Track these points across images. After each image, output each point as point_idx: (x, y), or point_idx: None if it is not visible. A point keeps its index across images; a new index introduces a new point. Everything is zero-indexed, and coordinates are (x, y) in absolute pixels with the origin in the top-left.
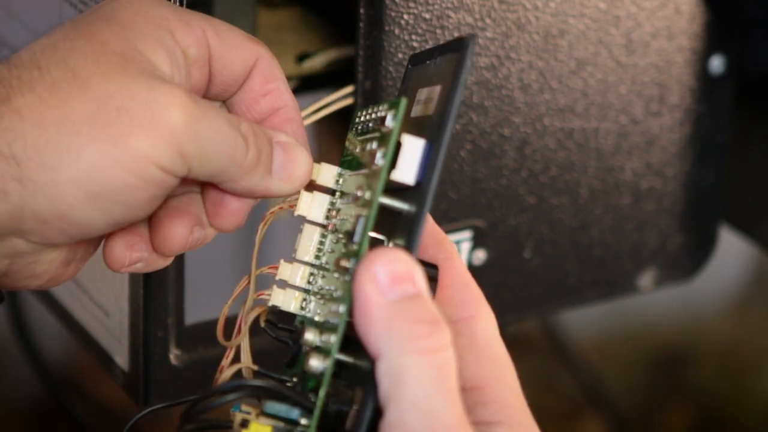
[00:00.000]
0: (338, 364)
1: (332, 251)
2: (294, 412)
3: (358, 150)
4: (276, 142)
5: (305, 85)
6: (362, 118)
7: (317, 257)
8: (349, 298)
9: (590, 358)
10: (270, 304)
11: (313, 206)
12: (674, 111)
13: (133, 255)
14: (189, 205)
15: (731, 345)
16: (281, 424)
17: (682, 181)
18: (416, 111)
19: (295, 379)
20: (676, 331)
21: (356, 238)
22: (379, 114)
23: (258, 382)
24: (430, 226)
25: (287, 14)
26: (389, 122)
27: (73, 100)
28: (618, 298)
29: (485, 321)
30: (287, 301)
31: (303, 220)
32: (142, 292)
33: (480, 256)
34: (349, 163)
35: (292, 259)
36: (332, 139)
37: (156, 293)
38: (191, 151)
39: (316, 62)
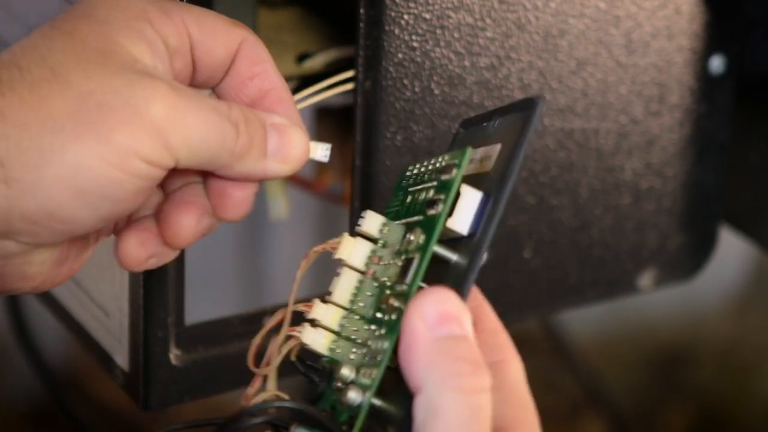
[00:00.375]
0: (373, 404)
1: (371, 295)
2: None
3: (409, 199)
4: (270, 124)
5: (305, 85)
6: (414, 171)
7: (351, 302)
8: (395, 335)
9: (590, 358)
10: (301, 341)
11: (354, 252)
12: (674, 111)
13: (148, 251)
14: (193, 196)
15: (731, 345)
16: None
17: (682, 181)
18: (470, 169)
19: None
20: (676, 331)
21: (408, 279)
22: (436, 165)
23: (295, 405)
24: None
25: (287, 14)
26: (450, 171)
27: (54, 99)
28: (618, 298)
29: (514, 366)
30: (317, 340)
31: (340, 263)
32: (142, 292)
33: None
34: (396, 213)
35: (326, 300)
36: (332, 138)
37: (156, 293)
38: (176, 143)
39: (316, 62)
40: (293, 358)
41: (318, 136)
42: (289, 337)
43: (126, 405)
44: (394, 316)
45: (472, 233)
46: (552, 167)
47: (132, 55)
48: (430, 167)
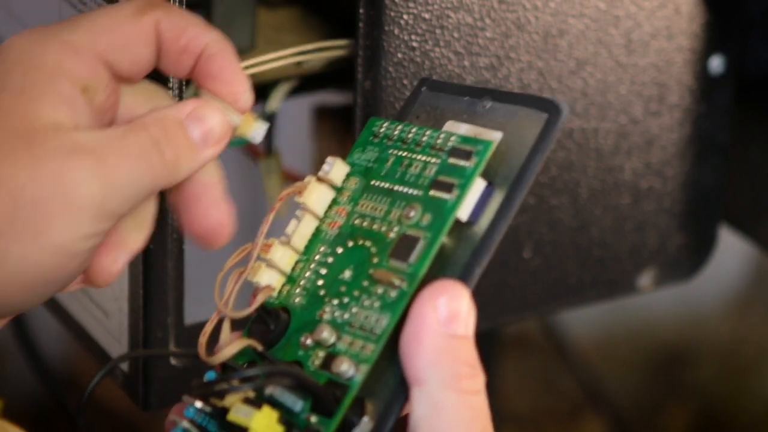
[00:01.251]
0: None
1: (337, 250)
2: (298, 404)
3: (392, 163)
4: (186, 117)
5: (305, 85)
6: (393, 131)
7: (308, 248)
8: (396, 315)
9: (590, 358)
10: (253, 280)
11: (318, 198)
12: (674, 111)
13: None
14: (107, 236)
15: (731, 345)
16: (280, 413)
17: (682, 181)
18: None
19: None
20: (676, 331)
21: (412, 259)
22: (429, 136)
23: (291, 371)
24: None
25: (287, 14)
26: (468, 158)
27: None
28: (618, 298)
29: None
30: (271, 281)
31: (301, 206)
32: (141, 292)
33: None
34: (368, 170)
35: (284, 242)
36: (332, 139)
37: (156, 293)
38: (114, 206)
39: (316, 62)
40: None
41: (318, 135)
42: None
43: (126, 405)
44: (393, 294)
45: (470, 221)
46: (552, 167)
47: (54, 123)
48: (417, 136)
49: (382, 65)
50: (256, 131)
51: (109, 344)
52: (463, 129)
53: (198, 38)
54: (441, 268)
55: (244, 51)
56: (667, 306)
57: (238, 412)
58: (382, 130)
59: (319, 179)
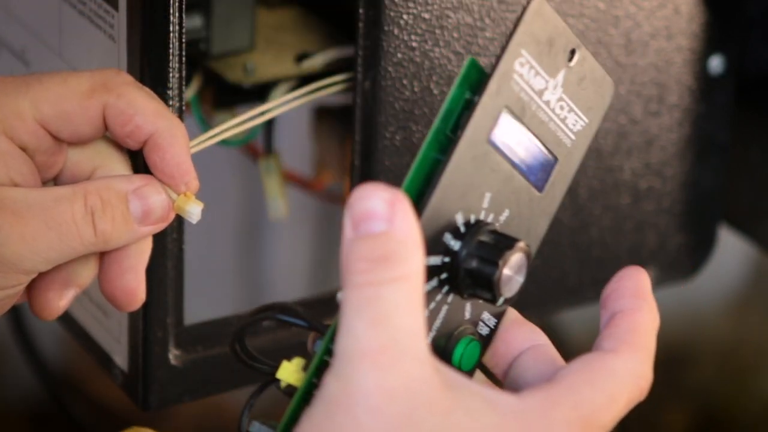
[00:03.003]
0: None
1: None
2: (317, 345)
3: None
4: (131, 192)
5: (304, 85)
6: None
7: None
8: None
9: None
10: None
11: None
12: (673, 111)
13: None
14: (55, 271)
15: (731, 345)
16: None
17: (682, 181)
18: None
19: None
20: (675, 331)
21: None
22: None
23: (281, 305)
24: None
25: (287, 14)
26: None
27: None
28: None
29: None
30: None
31: None
32: None
33: None
34: None
35: None
36: (332, 139)
37: (155, 293)
38: (30, 266)
39: (316, 62)
40: None
41: (317, 135)
42: None
43: (125, 405)
44: None
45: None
46: None
47: None
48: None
49: (382, 65)
50: (191, 212)
51: (109, 344)
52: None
53: (143, 128)
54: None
55: (244, 51)
56: (667, 306)
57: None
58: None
59: None
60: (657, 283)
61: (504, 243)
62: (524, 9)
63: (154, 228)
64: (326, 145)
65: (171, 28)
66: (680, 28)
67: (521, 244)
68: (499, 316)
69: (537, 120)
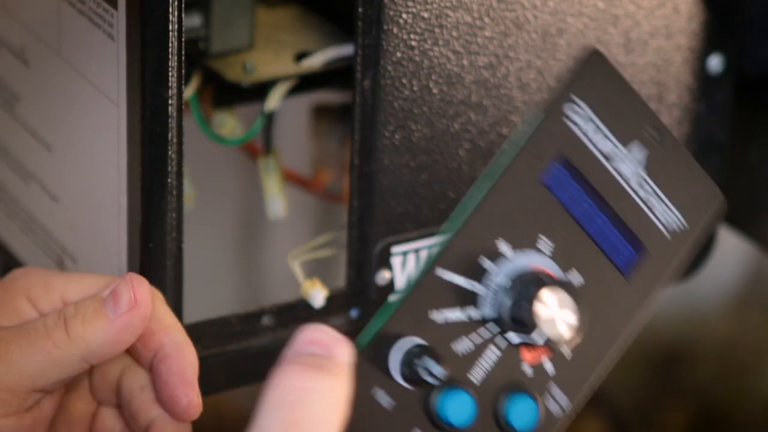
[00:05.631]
0: None
1: None
2: None
3: None
4: (105, 297)
5: (304, 85)
6: None
7: None
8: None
9: None
10: None
11: None
12: (673, 110)
13: None
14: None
15: (730, 344)
16: None
17: None
18: None
19: None
20: (674, 330)
21: None
22: None
23: None
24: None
25: (286, 13)
26: None
27: None
28: None
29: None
30: None
31: None
32: None
33: None
34: None
35: None
36: (331, 138)
37: None
38: (13, 383)
39: (315, 61)
40: None
41: (316, 134)
42: None
43: None
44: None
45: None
46: None
47: None
48: None
49: (381, 64)
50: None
51: None
52: None
53: (159, 339)
54: None
55: (243, 50)
56: (666, 305)
57: None
58: None
59: None
60: None
61: (548, 279)
62: (581, 58)
63: (129, 318)
64: (325, 143)
65: (170, 27)
66: (679, 27)
67: (569, 284)
68: (575, 397)
69: (611, 188)
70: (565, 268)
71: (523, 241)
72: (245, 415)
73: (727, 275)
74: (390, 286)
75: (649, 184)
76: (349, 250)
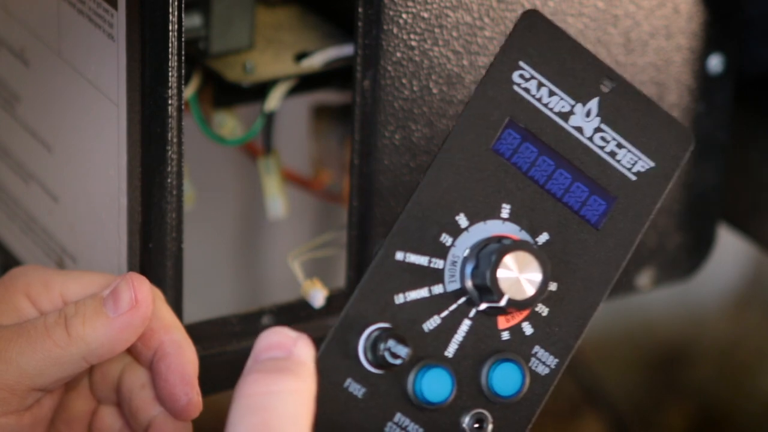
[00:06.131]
0: None
1: None
2: None
3: None
4: (105, 297)
5: (304, 85)
6: None
7: None
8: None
9: (588, 357)
10: None
11: None
12: (673, 110)
13: None
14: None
15: (730, 344)
16: None
17: (681, 180)
18: None
19: None
20: (674, 330)
21: None
22: None
23: None
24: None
25: (286, 13)
26: None
27: None
28: (616, 297)
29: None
30: None
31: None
32: None
33: None
34: None
35: None
36: (331, 138)
37: None
38: (12, 381)
39: (315, 61)
40: None
41: (316, 134)
42: None
43: None
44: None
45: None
46: None
47: None
48: None
49: (381, 64)
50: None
51: None
52: None
53: (159, 337)
54: None
55: (243, 50)
56: (666, 305)
57: None
58: None
59: None
60: (656, 283)
61: (506, 242)
62: (517, 21)
63: (129, 317)
64: (325, 144)
65: (170, 27)
66: (679, 27)
67: (527, 244)
68: (563, 354)
69: (568, 145)
70: (530, 230)
71: (483, 212)
72: None
73: (727, 275)
74: None
75: (609, 133)
76: (349, 250)
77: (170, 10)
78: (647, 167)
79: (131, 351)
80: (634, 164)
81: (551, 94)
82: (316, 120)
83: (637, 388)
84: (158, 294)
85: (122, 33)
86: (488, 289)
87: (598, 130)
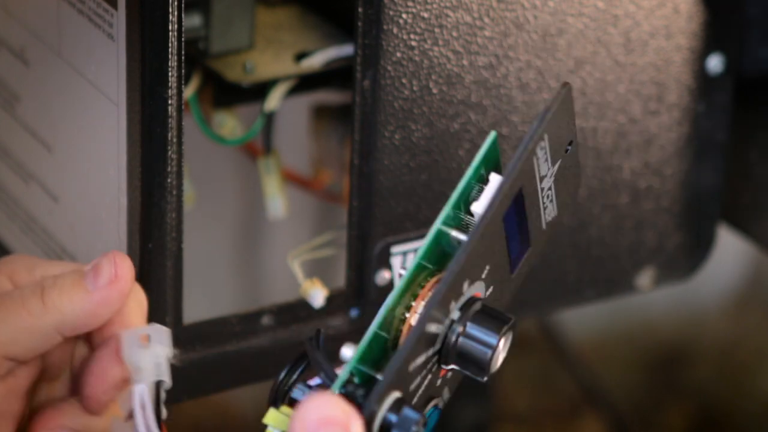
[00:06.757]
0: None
1: None
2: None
3: None
4: (86, 270)
5: (304, 85)
6: None
7: None
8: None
9: (589, 357)
10: None
11: None
12: (672, 110)
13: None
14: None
15: (730, 344)
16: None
17: (681, 180)
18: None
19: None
20: (674, 330)
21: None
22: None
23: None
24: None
25: (286, 13)
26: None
27: None
28: (616, 297)
29: None
30: None
31: None
32: None
33: None
34: None
35: None
36: (331, 138)
37: (154, 292)
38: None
39: (315, 61)
40: None
41: (316, 134)
42: None
43: None
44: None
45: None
46: None
47: None
48: None
49: (381, 64)
50: (314, 296)
51: None
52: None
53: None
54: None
55: (243, 49)
56: (666, 305)
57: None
58: None
59: None
60: (656, 283)
61: (500, 322)
62: (557, 95)
63: (107, 291)
64: (325, 144)
65: (170, 27)
66: (679, 27)
67: (513, 321)
68: (453, 388)
69: (534, 205)
70: (489, 286)
71: (475, 275)
72: (248, 415)
73: (727, 275)
74: (390, 286)
75: (552, 192)
76: (349, 250)
77: (170, 10)
78: (553, 216)
79: (90, 341)
80: (549, 215)
81: (546, 160)
82: (316, 120)
83: (637, 388)
84: (139, 299)
85: (122, 33)
86: (479, 364)
87: (549, 189)
